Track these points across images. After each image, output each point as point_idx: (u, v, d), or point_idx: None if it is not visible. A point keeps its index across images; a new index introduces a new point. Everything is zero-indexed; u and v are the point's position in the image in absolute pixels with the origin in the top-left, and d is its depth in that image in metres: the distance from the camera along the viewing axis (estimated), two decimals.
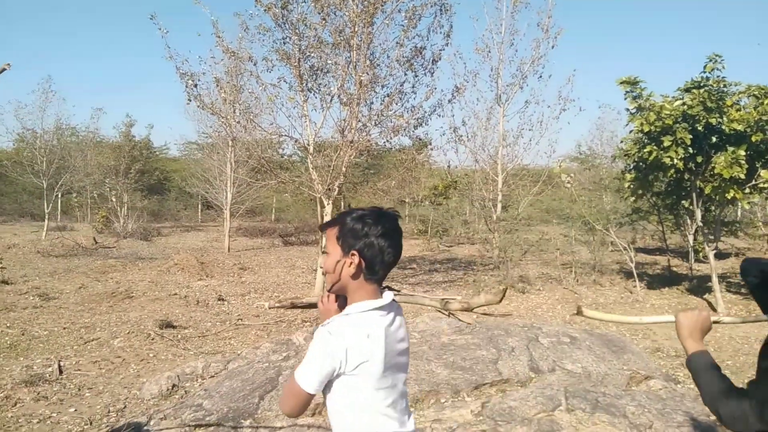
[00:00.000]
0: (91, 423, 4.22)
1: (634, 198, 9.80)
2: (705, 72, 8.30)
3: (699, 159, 8.18)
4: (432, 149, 13.49)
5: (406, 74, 9.91)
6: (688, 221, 9.60)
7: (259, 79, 9.90)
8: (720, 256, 8.71)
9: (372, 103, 9.93)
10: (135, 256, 14.54)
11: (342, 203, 17.21)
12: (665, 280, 11.01)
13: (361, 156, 10.80)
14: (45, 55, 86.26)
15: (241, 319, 7.83)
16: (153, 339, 6.52)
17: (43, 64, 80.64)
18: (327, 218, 8.89)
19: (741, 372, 5.43)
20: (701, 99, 7.88)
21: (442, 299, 2.47)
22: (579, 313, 1.78)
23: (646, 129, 8.25)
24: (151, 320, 7.26)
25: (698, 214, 8.81)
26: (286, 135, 10.25)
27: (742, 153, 7.73)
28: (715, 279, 8.56)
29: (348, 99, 9.61)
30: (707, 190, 8.21)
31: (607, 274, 11.27)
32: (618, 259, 12.11)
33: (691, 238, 9.91)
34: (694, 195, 8.71)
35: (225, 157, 17.78)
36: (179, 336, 6.78)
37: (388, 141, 10.23)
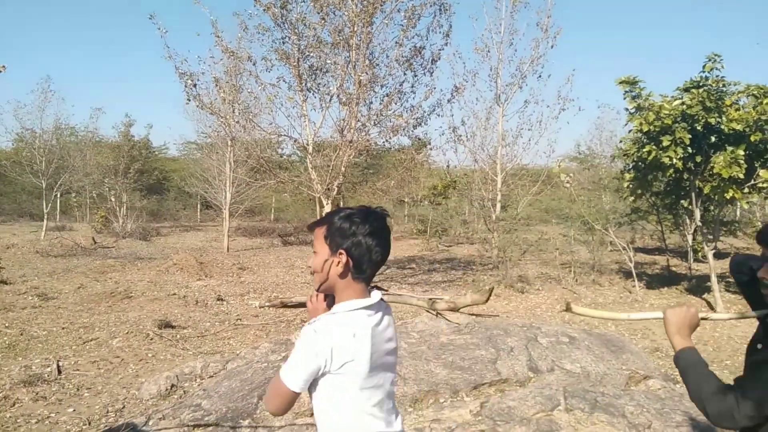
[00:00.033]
0: (89, 423, 4.22)
1: (633, 198, 9.79)
2: (704, 72, 8.29)
3: (698, 159, 8.18)
4: (431, 149, 13.50)
5: (405, 74, 9.94)
6: (687, 221, 9.60)
7: (259, 78, 9.91)
8: (719, 255, 8.71)
9: (371, 102, 9.94)
10: (134, 256, 14.53)
11: (341, 203, 17.20)
12: (664, 279, 11.02)
13: (360, 156, 10.80)
14: (43, 55, 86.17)
15: (240, 319, 7.83)
16: (152, 339, 6.51)
17: (42, 64, 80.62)
18: None
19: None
20: (700, 99, 7.88)
21: (429, 299, 2.47)
22: (568, 309, 1.78)
23: (645, 129, 8.25)
24: (150, 320, 7.25)
25: (697, 213, 8.81)
26: (285, 135, 10.26)
27: (741, 153, 7.73)
28: (714, 279, 8.56)
29: (347, 99, 9.61)
30: (706, 190, 8.21)
31: (606, 274, 11.27)
32: (617, 258, 12.11)
33: (690, 237, 9.91)
34: (693, 195, 8.72)
35: (224, 157, 17.78)
36: (178, 336, 6.77)
37: (387, 141, 10.24)
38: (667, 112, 8.04)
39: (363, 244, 1.49)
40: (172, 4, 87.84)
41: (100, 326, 7.10)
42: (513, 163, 14.41)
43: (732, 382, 1.51)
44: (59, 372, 5.29)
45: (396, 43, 9.74)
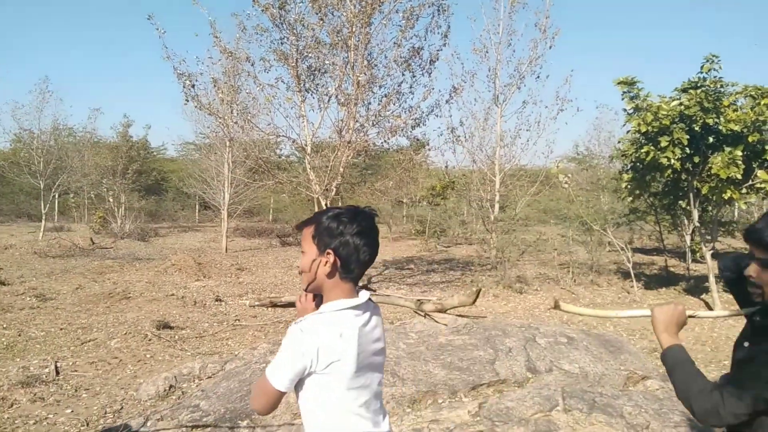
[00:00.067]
0: (87, 424, 4.21)
1: (631, 198, 9.81)
2: (702, 72, 8.31)
3: (696, 159, 8.20)
4: (429, 150, 13.48)
5: (403, 74, 9.93)
6: (686, 221, 9.62)
7: (257, 79, 9.92)
8: (717, 256, 8.72)
9: (369, 103, 9.94)
10: (132, 256, 14.51)
11: (340, 204, 17.19)
12: (662, 280, 11.03)
13: (358, 156, 10.81)
14: (42, 55, 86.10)
15: (239, 320, 7.82)
16: (150, 340, 6.51)
17: (41, 64, 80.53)
18: None
19: None
20: (698, 99, 7.90)
21: (417, 300, 2.49)
22: (556, 306, 1.78)
23: (643, 129, 8.27)
24: (149, 321, 7.24)
25: (695, 214, 8.83)
26: (283, 135, 10.27)
27: (739, 153, 7.75)
28: (712, 279, 8.58)
29: (345, 99, 9.61)
30: (704, 191, 8.23)
31: (605, 275, 11.28)
32: (615, 259, 12.12)
33: (688, 238, 9.93)
34: (691, 195, 8.73)
35: (222, 158, 17.76)
36: (176, 337, 6.76)
37: (385, 141, 10.24)
38: (665, 112, 8.05)
39: (351, 243, 1.48)
40: (171, 5, 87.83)
41: (98, 327, 7.09)
42: (511, 164, 14.42)
43: (719, 380, 1.51)
44: (57, 373, 5.28)
45: (394, 43, 9.75)
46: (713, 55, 8.22)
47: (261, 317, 7.93)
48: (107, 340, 6.49)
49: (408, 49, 9.82)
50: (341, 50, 9.51)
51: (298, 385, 1.47)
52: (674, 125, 8.03)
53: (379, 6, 9.32)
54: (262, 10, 9.15)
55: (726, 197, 8.09)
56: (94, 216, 21.45)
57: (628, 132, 9.16)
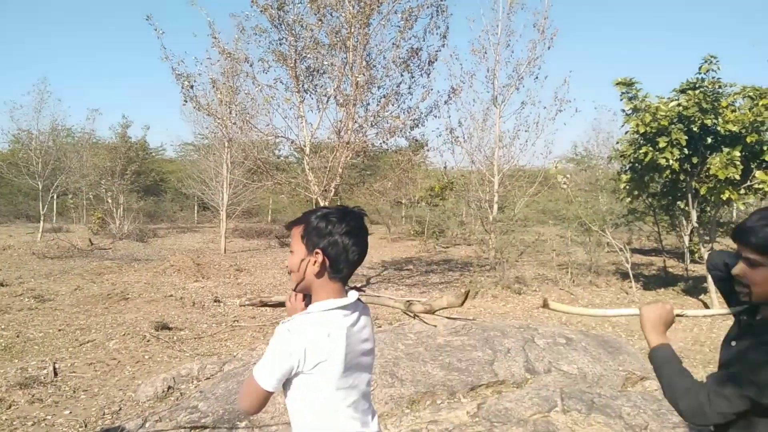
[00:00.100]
0: (86, 425, 4.21)
1: (629, 199, 9.82)
2: (700, 73, 8.33)
3: (694, 160, 8.21)
4: (428, 150, 13.52)
5: (402, 75, 9.93)
6: (684, 222, 9.63)
7: (256, 80, 9.91)
8: None
9: (368, 104, 9.94)
10: (131, 257, 14.49)
11: (338, 204, 17.17)
12: (661, 280, 11.04)
13: (357, 157, 10.81)
14: (41, 56, 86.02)
15: (237, 321, 7.81)
16: (148, 341, 6.50)
17: (40, 64, 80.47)
18: None
19: None
20: (696, 100, 7.91)
21: (407, 301, 2.48)
22: (545, 305, 1.78)
23: (641, 130, 8.28)
24: (147, 322, 7.24)
25: (694, 215, 8.84)
26: (282, 136, 10.26)
27: (737, 154, 7.76)
28: (710, 279, 8.58)
29: (344, 100, 9.61)
30: (702, 191, 8.24)
31: (603, 275, 11.29)
32: (614, 260, 12.13)
33: (686, 238, 9.94)
34: (689, 196, 8.74)
35: (221, 159, 17.75)
36: (175, 338, 6.76)
37: (384, 142, 10.23)
38: (663, 113, 8.07)
39: (339, 243, 1.47)
40: (170, 5, 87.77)
41: (97, 328, 7.08)
42: (510, 165, 14.42)
43: (706, 380, 1.51)
44: (55, 374, 5.27)
45: (393, 44, 9.75)
46: (711, 56, 8.24)
47: (259, 318, 7.93)
48: (105, 341, 6.48)
49: (407, 50, 9.82)
50: (340, 51, 9.51)
51: (286, 384, 1.47)
52: (673, 126, 8.04)
53: (378, 7, 9.32)
54: (261, 11, 9.15)
55: (724, 198, 8.10)
56: (93, 217, 21.41)
57: (626, 133, 9.17)
